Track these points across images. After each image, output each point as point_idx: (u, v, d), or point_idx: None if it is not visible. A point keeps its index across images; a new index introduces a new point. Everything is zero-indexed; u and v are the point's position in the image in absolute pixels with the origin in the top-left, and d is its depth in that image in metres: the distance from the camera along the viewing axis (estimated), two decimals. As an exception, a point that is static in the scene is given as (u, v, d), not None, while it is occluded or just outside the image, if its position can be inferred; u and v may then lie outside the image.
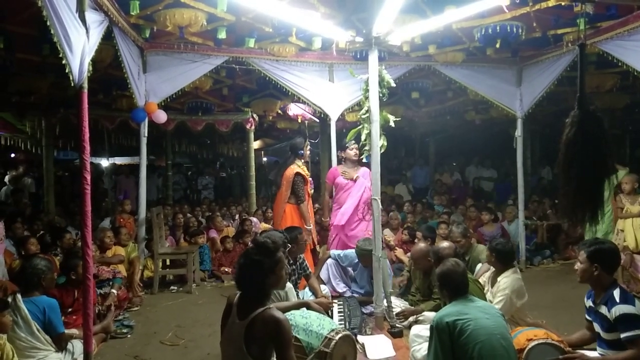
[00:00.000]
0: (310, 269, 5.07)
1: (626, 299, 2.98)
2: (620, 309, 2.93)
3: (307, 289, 5.07)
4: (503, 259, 4.12)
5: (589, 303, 3.26)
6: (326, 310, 4.54)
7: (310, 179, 5.98)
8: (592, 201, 3.00)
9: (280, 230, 4.49)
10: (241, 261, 2.61)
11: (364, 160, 4.97)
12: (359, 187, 5.86)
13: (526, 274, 6.91)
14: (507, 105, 7.29)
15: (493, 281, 4.18)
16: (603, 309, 3.05)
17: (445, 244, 4.68)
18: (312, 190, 6.09)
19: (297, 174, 5.66)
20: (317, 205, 9.43)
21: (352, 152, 5.95)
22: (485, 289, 4.21)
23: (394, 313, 4.66)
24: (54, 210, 9.07)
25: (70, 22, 3.39)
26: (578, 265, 3.21)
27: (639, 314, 2.92)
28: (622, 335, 2.90)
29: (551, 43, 6.44)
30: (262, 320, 2.43)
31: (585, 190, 2.97)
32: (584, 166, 2.91)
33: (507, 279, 4.02)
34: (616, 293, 3.01)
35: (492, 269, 4.31)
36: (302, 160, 5.87)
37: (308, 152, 5.99)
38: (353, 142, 5.79)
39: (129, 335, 4.71)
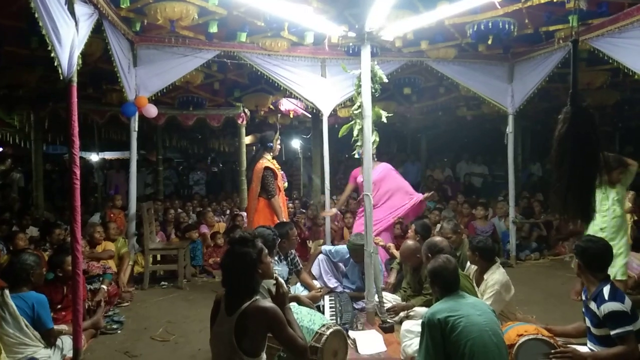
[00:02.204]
0: (301, 265, 5.06)
1: (615, 296, 3.00)
2: (608, 307, 2.96)
3: (298, 284, 5.07)
4: (486, 256, 4.15)
5: (583, 296, 3.32)
6: (317, 299, 4.56)
7: (282, 172, 5.83)
8: (583, 197, 3.01)
9: (269, 227, 4.42)
10: (227, 261, 2.58)
11: (356, 156, 4.97)
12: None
13: (516, 269, 6.97)
14: (499, 102, 7.32)
15: (478, 279, 4.18)
16: (593, 305, 3.09)
17: (439, 238, 4.66)
18: (286, 184, 5.98)
19: (267, 168, 5.49)
20: (311, 203, 9.45)
21: None
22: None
23: (385, 308, 4.67)
24: (43, 205, 8.99)
25: (59, 14, 3.35)
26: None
27: (627, 311, 2.95)
28: (612, 332, 2.94)
29: (543, 40, 6.46)
30: (251, 313, 2.45)
31: (576, 187, 2.98)
32: (576, 163, 2.92)
33: (494, 275, 4.05)
34: (606, 290, 3.04)
35: (475, 267, 4.32)
36: (272, 154, 5.70)
37: (278, 146, 5.79)
38: None
39: (119, 331, 4.68)
